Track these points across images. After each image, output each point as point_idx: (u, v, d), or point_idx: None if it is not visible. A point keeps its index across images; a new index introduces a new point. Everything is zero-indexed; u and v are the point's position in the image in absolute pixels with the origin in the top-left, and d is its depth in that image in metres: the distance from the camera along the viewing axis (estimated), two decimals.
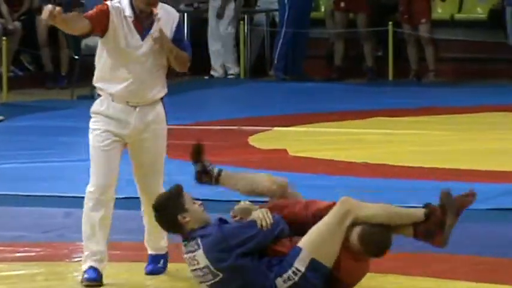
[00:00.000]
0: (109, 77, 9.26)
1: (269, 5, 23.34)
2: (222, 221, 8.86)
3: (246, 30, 23.15)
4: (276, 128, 17.78)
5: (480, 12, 20.83)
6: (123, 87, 9.20)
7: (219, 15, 21.11)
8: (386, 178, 13.56)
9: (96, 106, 9.30)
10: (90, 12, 9.23)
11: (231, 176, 9.78)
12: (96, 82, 9.24)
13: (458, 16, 21.77)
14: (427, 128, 16.75)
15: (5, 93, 20.87)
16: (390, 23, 21.00)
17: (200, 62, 21.96)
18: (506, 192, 13.00)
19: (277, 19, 22.99)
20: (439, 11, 21.98)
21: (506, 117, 16.89)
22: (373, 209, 8.82)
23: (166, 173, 11.15)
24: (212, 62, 22.88)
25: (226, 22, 21.61)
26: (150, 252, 9.85)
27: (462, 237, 9.87)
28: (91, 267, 9.10)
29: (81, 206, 10.74)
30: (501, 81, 20.44)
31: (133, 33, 9.04)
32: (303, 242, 8.67)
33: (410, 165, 14.42)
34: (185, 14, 23.16)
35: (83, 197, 10.22)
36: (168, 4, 13.75)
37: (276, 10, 22.87)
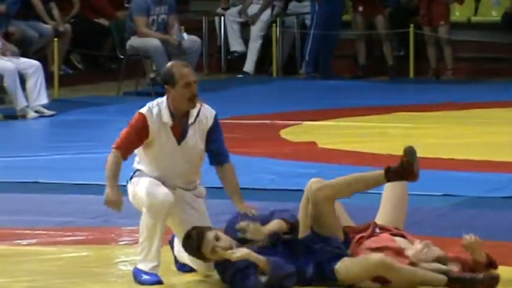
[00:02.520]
0: (148, 169, 9.11)
1: (299, 9, 22.93)
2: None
3: (278, 33, 22.59)
4: (305, 122, 17.89)
5: (494, 15, 21.03)
6: (159, 176, 9.12)
7: (253, 22, 21.29)
8: None
9: None
10: (127, 134, 8.91)
11: None
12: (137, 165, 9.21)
13: (474, 19, 22.03)
14: (445, 122, 16.94)
15: (56, 90, 20.95)
16: (411, 25, 20.74)
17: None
18: None
19: (307, 22, 22.40)
20: (457, 14, 22.13)
21: None
22: (335, 182, 8.72)
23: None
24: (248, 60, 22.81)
25: (258, 26, 21.77)
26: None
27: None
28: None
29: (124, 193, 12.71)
30: None
31: (170, 139, 8.96)
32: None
33: (430, 156, 13.87)
34: (222, 17, 23.29)
35: (125, 185, 10.49)
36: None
37: (306, 13, 22.45)
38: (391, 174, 8.70)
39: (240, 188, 9.80)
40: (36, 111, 19.23)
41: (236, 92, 21.36)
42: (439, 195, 12.31)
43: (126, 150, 8.79)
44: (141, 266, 8.32)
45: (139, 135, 8.64)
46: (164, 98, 8.80)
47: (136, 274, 8.60)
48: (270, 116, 17.82)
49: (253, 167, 13.68)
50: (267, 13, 23.06)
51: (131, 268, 8.89)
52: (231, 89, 21.63)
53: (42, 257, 9.93)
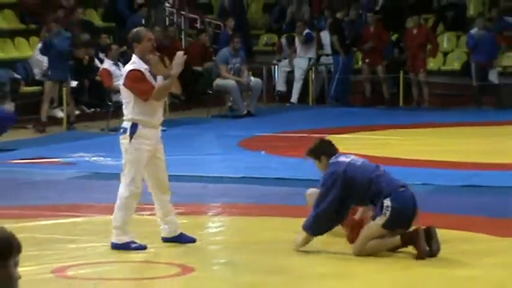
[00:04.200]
0: (146, 118, 9.15)
1: (327, 61, 23.30)
2: None
3: (313, 76, 23.04)
4: (331, 135, 17.32)
5: (456, 66, 21.67)
6: (152, 119, 9.10)
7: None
8: (404, 167, 13.94)
9: None
10: (145, 85, 8.94)
11: None
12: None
13: (443, 68, 22.59)
14: (426, 135, 17.26)
15: (168, 112, 20.24)
16: (401, 71, 21.30)
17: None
18: (470, 175, 13.68)
19: (331, 69, 22.67)
20: (431, 64, 22.46)
21: (472, 129, 17.58)
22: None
23: (271, 166, 13.87)
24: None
25: (299, 73, 22.29)
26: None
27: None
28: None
29: (213, 181, 13.30)
30: (468, 107, 21.14)
31: (153, 82, 8.87)
32: None
33: (416, 158, 15.25)
34: (276, 66, 23.85)
35: (213, 177, 12.98)
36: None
37: (331, 64, 22.69)
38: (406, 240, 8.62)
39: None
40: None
41: (285, 116, 21.58)
42: (419, 184, 12.52)
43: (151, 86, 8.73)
44: (125, 238, 8.10)
45: (149, 80, 8.69)
46: (133, 58, 8.92)
47: (125, 246, 8.32)
48: (307, 131, 17.93)
49: (300, 166, 12.95)
50: (305, 63, 23.07)
51: None
52: (282, 114, 21.85)
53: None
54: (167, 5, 27.52)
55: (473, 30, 21.36)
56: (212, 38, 23.98)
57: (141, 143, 8.77)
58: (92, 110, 20.49)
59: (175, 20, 26.74)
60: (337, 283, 8.37)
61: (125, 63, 11.38)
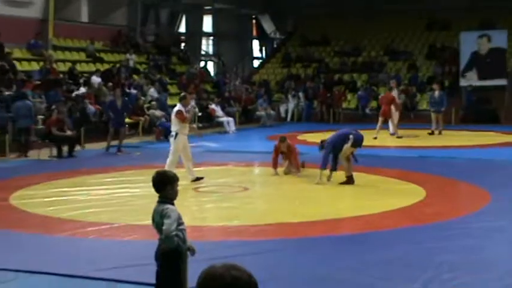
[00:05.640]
0: (182, 130, 11.15)
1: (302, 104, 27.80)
2: None
3: (295, 109, 27.94)
4: (305, 133, 21.81)
5: None
6: (184, 129, 11.17)
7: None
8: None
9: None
10: (183, 115, 11.04)
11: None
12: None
13: None
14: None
15: (237, 124, 24.84)
16: (331, 107, 25.57)
17: None
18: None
19: (304, 107, 27.81)
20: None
21: None
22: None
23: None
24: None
25: None
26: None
27: None
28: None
29: (250, 154, 15.68)
30: None
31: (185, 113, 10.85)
32: None
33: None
34: None
35: (251, 151, 14.36)
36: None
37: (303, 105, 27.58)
38: None
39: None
40: (232, 131, 23.32)
41: (285, 126, 25.20)
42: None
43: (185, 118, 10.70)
44: None
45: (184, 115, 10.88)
46: (179, 105, 11.44)
47: None
48: (298, 132, 22.22)
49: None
50: (293, 105, 28.40)
51: None
52: (286, 125, 25.63)
53: None
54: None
55: None
56: (256, 93, 29.49)
57: (179, 141, 11.41)
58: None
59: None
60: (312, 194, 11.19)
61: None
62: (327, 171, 11.68)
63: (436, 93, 21.45)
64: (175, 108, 11.65)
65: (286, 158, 13.10)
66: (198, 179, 11.49)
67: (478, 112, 25.41)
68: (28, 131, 17.21)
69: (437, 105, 21.21)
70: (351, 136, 11.46)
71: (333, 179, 11.86)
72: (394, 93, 21.04)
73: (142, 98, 22.90)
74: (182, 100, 11.85)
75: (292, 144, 13.23)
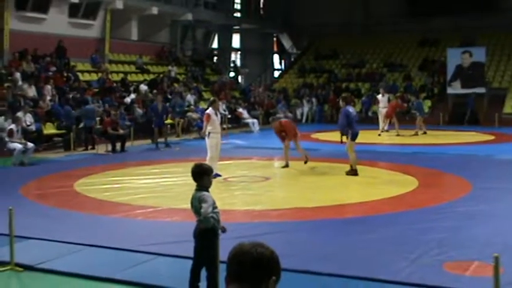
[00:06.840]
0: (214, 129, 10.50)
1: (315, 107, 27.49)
2: None
3: (310, 112, 27.56)
4: (318, 132, 20.95)
5: None
6: (217, 130, 10.57)
7: None
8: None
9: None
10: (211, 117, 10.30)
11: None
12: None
13: None
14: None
15: (261, 124, 23.96)
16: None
17: None
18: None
19: (317, 109, 27.61)
20: None
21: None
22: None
23: (304, 147, 12.81)
24: None
25: None
26: None
27: None
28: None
29: (256, 149, 15.01)
30: None
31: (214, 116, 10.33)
32: None
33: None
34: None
35: (256, 147, 13.41)
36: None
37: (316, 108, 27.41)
38: None
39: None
40: (256, 131, 22.69)
41: (302, 126, 21.29)
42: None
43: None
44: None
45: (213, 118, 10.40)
46: (210, 109, 10.80)
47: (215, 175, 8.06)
48: (311, 131, 21.10)
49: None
50: (307, 108, 27.66)
51: None
52: (301, 125, 20.65)
53: None
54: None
55: None
56: (276, 99, 28.61)
57: (212, 139, 10.97)
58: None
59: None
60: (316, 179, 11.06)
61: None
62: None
63: (415, 101, 22.20)
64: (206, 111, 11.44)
65: (288, 137, 12.60)
66: (216, 175, 10.68)
67: (461, 115, 25.63)
68: (91, 129, 17.57)
69: (418, 110, 21.33)
70: (349, 131, 11.38)
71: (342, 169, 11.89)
72: (383, 98, 21.04)
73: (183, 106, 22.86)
74: (212, 104, 11.42)
75: (285, 122, 12.83)
